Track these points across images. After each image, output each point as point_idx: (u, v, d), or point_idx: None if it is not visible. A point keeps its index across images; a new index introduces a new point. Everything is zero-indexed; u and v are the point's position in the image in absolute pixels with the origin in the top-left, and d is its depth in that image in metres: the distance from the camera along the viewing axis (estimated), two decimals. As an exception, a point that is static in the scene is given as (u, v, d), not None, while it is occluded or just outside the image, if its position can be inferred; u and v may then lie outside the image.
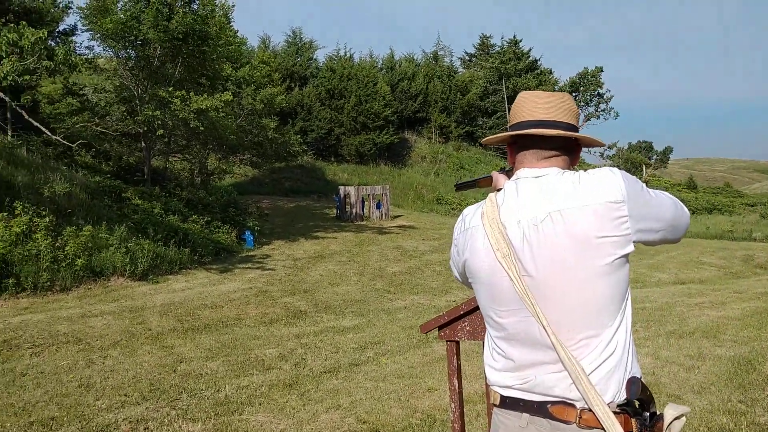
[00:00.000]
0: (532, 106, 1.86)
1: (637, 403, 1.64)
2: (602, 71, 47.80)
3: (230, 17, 19.97)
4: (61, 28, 21.74)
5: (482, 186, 2.21)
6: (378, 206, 27.90)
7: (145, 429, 5.11)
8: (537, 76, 47.29)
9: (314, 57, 44.12)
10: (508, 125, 1.92)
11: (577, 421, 1.65)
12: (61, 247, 12.80)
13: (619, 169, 1.74)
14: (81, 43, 29.80)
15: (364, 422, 5.06)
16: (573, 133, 1.82)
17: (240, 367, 7.29)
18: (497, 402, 1.82)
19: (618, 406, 1.63)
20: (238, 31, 23.63)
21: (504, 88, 46.06)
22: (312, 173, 37.16)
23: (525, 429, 1.74)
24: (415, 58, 48.58)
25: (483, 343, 1.99)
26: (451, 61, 51.14)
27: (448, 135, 45.04)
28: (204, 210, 20.22)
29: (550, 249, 1.69)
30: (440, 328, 2.71)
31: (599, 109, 48.16)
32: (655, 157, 72.43)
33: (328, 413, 5.36)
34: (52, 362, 7.50)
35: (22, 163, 15.45)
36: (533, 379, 1.73)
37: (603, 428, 1.60)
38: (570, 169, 1.83)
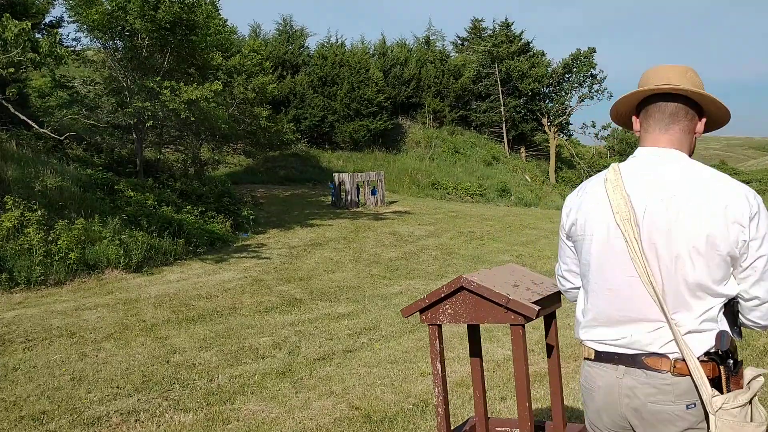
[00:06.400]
0: (659, 75, 1.99)
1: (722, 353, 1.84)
2: (595, 52, 47.58)
3: (218, 5, 19.83)
4: (47, 20, 21.55)
5: None
6: (373, 192, 27.84)
7: (136, 420, 5.09)
8: (530, 59, 47.04)
9: (305, 45, 43.76)
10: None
11: (671, 370, 1.85)
12: (54, 241, 12.74)
13: (759, 203, 1.87)
14: (68, 35, 29.53)
15: (356, 408, 5.04)
16: (698, 90, 1.94)
17: (233, 356, 7.27)
18: (591, 356, 2.01)
19: (706, 354, 1.85)
20: (227, 20, 23.44)
21: (497, 71, 45.86)
22: (307, 161, 37.03)
23: (622, 379, 1.93)
24: (406, 43, 48.25)
25: (577, 302, 2.17)
26: (444, 45, 50.75)
27: (442, 120, 44.87)
28: (198, 200, 20.12)
29: (668, 223, 1.86)
30: (422, 311, 2.67)
31: (593, 90, 47.99)
32: (650, 136, 72.26)
33: (320, 400, 5.34)
34: (44, 356, 7.48)
35: (12, 157, 15.35)
36: (629, 336, 1.92)
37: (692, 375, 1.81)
38: (692, 152, 2.01)
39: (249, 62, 25.23)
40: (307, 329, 8.70)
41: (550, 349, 2.80)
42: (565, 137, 48.92)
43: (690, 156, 2.00)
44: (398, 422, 4.66)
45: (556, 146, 45.65)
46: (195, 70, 19.98)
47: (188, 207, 18.66)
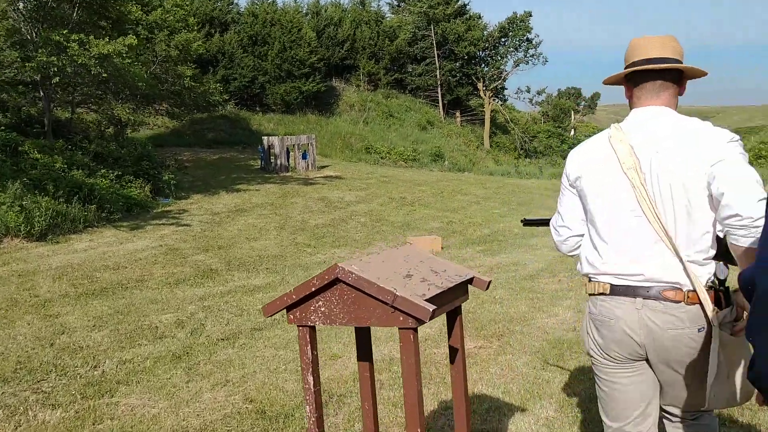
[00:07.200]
0: (642, 48, 2.25)
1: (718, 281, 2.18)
2: (531, 16, 47.39)
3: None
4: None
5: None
6: (304, 156, 27.03)
7: (-9, 421, 4.35)
8: (466, 21, 46.50)
9: (235, 1, 42.03)
10: (624, 67, 2.31)
11: (685, 300, 2.11)
12: (-58, 208, 11.59)
13: (736, 141, 2.13)
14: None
15: (251, 401, 4.44)
16: (680, 65, 2.23)
17: (128, 337, 6.54)
18: (607, 291, 2.21)
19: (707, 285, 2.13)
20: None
21: (433, 34, 45.16)
22: (236, 124, 35.72)
23: (641, 311, 2.16)
24: (341, 3, 46.93)
25: (582, 248, 2.39)
26: (379, 6, 49.60)
27: (377, 83, 44.03)
28: (114, 164, 18.92)
29: (667, 169, 2.12)
30: (288, 309, 2.06)
31: (528, 55, 47.89)
32: (583, 103, 73.06)
33: (212, 391, 4.72)
34: None
35: None
36: (640, 268, 2.15)
37: (701, 302, 2.10)
38: (677, 108, 2.28)
39: (171, 17, 23.75)
40: (217, 304, 8.02)
41: (454, 353, 2.24)
42: (500, 102, 48.83)
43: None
44: (295, 419, 4.09)
45: (491, 111, 45.52)
46: (108, 24, 18.56)
47: (103, 171, 17.53)
